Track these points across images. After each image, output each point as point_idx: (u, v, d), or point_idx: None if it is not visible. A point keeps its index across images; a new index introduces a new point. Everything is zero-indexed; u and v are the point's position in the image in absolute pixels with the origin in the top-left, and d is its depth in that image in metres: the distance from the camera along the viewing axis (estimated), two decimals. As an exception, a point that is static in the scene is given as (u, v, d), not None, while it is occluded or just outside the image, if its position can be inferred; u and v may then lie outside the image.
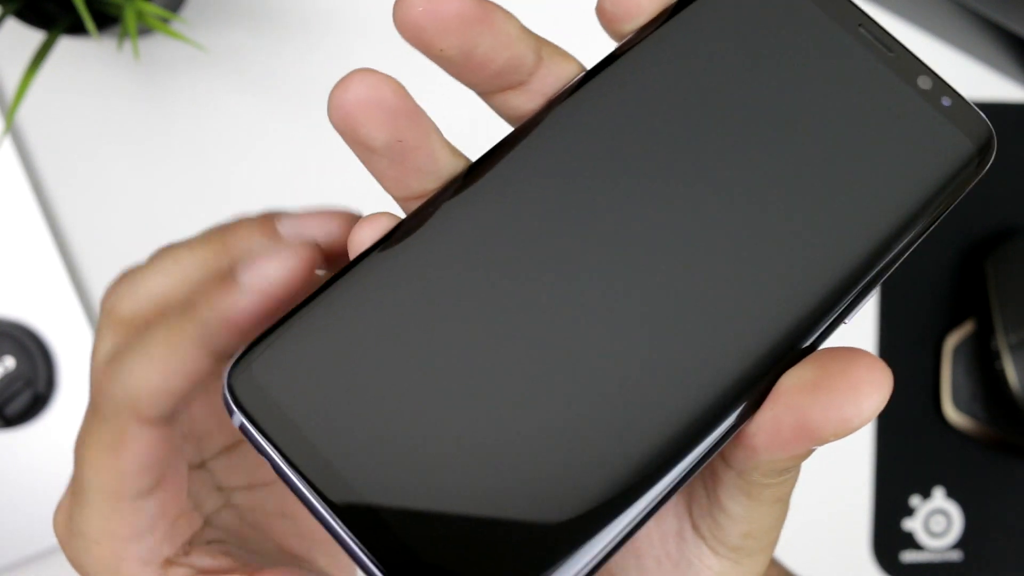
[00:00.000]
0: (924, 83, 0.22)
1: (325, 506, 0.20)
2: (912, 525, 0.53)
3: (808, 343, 0.20)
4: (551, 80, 0.21)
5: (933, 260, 0.53)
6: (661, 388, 0.20)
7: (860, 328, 0.53)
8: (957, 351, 0.53)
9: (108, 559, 0.22)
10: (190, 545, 0.23)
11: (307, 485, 0.20)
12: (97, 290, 0.51)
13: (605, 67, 0.21)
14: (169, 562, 0.23)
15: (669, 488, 0.19)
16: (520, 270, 0.20)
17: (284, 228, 0.21)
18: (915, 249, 0.21)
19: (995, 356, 0.51)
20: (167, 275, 0.21)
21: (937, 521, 0.53)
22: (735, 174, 0.21)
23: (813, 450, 0.19)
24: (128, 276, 0.22)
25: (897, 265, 0.21)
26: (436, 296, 0.20)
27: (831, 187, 0.21)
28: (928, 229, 0.21)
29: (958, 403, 0.53)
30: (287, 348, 0.20)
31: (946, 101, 0.22)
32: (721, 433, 0.19)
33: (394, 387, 0.20)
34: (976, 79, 0.54)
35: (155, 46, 0.50)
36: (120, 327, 0.21)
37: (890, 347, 0.53)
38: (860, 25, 0.22)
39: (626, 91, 0.21)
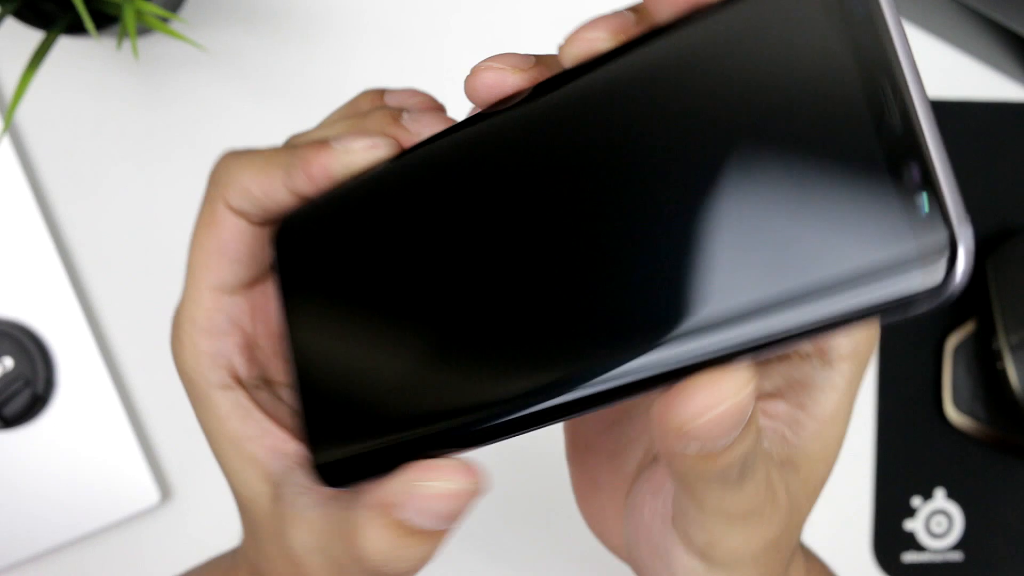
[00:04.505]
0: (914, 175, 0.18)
1: (296, 376, 0.24)
2: (913, 526, 0.53)
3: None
4: None
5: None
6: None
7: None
8: (958, 351, 0.53)
9: (188, 349, 0.26)
10: (266, 386, 0.27)
11: (290, 349, 0.24)
12: (96, 290, 0.51)
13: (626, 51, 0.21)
14: (239, 381, 0.26)
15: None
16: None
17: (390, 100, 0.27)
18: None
19: (996, 356, 0.50)
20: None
21: (938, 522, 0.53)
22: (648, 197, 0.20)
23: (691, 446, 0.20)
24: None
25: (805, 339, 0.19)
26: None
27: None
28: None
29: (959, 403, 0.53)
30: (323, 218, 0.24)
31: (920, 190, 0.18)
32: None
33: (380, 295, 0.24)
34: (976, 79, 0.54)
35: (154, 46, 0.50)
36: None
37: (891, 347, 0.53)
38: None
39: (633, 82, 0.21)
